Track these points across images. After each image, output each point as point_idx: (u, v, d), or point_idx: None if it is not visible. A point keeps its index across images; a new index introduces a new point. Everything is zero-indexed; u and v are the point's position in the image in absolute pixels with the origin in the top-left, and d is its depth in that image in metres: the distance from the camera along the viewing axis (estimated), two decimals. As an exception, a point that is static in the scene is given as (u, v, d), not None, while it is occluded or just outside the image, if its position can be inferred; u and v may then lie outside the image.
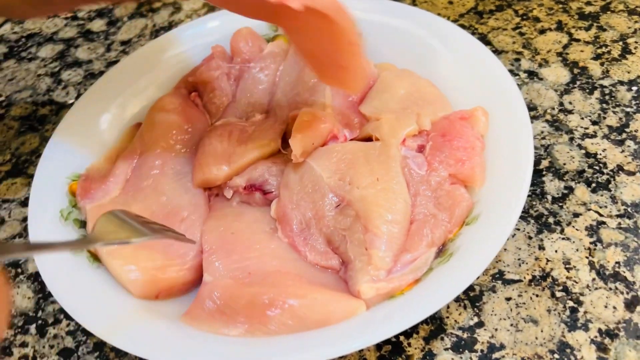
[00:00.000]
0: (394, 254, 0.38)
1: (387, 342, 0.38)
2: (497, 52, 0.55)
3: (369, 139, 0.44)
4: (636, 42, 0.54)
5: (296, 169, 0.43)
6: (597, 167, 0.45)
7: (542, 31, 0.57)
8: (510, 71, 0.53)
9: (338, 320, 0.35)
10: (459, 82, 0.47)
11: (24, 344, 0.42)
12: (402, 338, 0.38)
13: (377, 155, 0.41)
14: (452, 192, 0.40)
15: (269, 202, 0.44)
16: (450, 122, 0.42)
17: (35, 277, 0.46)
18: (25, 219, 0.50)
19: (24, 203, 0.51)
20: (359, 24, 0.51)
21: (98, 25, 0.69)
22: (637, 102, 0.49)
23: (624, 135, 0.47)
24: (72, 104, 0.58)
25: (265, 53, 0.52)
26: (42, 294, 0.45)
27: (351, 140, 0.45)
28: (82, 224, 0.43)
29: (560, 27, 0.57)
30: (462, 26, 0.58)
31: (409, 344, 0.38)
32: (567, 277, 0.40)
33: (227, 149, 0.45)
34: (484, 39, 0.57)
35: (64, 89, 0.62)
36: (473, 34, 0.57)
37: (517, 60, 0.54)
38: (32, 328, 0.43)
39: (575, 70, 0.53)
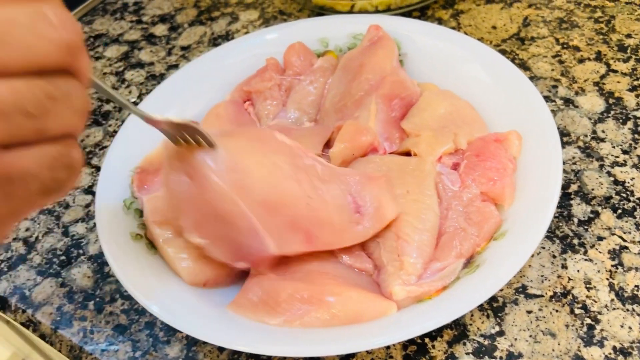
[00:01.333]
0: (424, 262, 0.41)
1: (413, 342, 0.42)
2: (536, 78, 0.58)
3: (407, 153, 0.48)
4: (673, 77, 0.56)
5: (336, 176, 0.47)
6: (624, 195, 0.48)
7: (581, 60, 0.59)
8: (547, 97, 0.56)
9: (370, 319, 0.38)
10: (496, 105, 0.49)
11: (83, 318, 0.47)
12: (427, 340, 0.42)
13: (411, 170, 0.45)
14: (482, 209, 0.43)
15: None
16: (485, 143, 0.45)
17: (95, 259, 0.51)
18: (87, 205, 0.55)
19: (87, 191, 0.56)
20: (405, 44, 0.55)
21: (160, 29, 0.74)
22: (669, 134, 0.51)
23: (653, 166, 0.49)
24: (134, 102, 0.64)
25: (316, 67, 0.56)
26: (101, 274, 0.49)
27: (390, 153, 0.48)
28: (141, 213, 0.48)
29: (599, 57, 0.59)
30: (504, 51, 0.61)
31: (433, 346, 0.41)
32: (586, 296, 0.42)
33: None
34: (524, 65, 0.59)
35: (127, 88, 0.67)
36: (514, 59, 0.60)
37: (555, 87, 0.57)
38: (91, 304, 0.48)
39: (611, 100, 0.55)
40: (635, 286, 0.42)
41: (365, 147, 0.47)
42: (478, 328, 0.42)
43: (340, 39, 0.59)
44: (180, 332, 0.44)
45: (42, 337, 0.47)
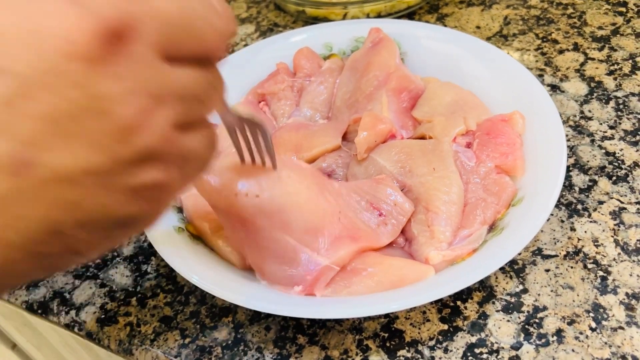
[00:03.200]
0: (453, 230, 0.45)
1: (446, 306, 0.45)
2: (523, 68, 0.63)
3: (422, 138, 0.52)
4: (644, 60, 0.62)
5: (361, 162, 0.51)
6: (616, 164, 0.53)
7: (561, 51, 0.65)
8: (536, 84, 0.61)
9: (411, 282, 0.42)
10: (495, 91, 0.54)
11: (127, 314, 0.49)
12: (458, 303, 0.45)
13: (431, 150, 0.49)
14: (499, 180, 0.47)
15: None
16: (493, 123, 0.50)
17: (131, 259, 0.53)
18: (115, 211, 0.57)
19: (113, 198, 0.58)
20: (404, 44, 0.59)
21: (160, 47, 0.77)
22: (648, 110, 0.57)
23: (638, 137, 0.55)
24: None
25: (324, 69, 0.60)
26: (139, 272, 0.51)
27: (407, 138, 0.52)
28: (179, 210, 0.51)
29: (576, 47, 0.65)
30: (491, 47, 0.67)
31: (465, 307, 0.45)
32: (596, 253, 0.47)
33: (295, 142, 0.53)
34: (511, 58, 0.65)
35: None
36: (501, 53, 0.66)
37: (541, 76, 0.63)
38: (133, 300, 0.50)
39: (592, 84, 0.61)
40: (638, 240, 0.47)
41: (385, 134, 0.51)
42: (504, 288, 0.46)
43: (343, 42, 0.63)
44: (227, 317, 0.47)
45: (89, 335, 0.49)
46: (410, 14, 0.74)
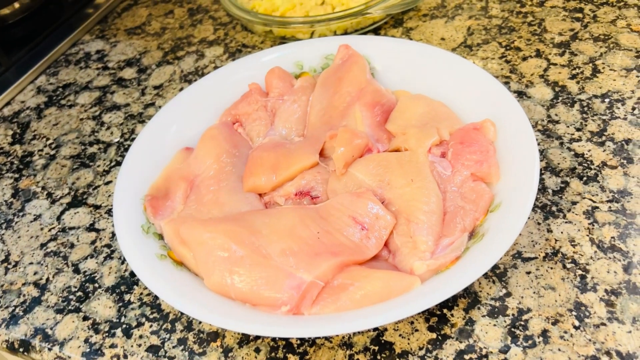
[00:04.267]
0: (434, 239, 0.45)
1: (433, 314, 0.46)
2: (490, 77, 0.65)
3: (397, 150, 0.53)
4: (603, 64, 0.64)
5: (340, 177, 0.51)
6: (585, 165, 0.55)
7: (524, 58, 0.67)
8: (503, 92, 0.63)
9: (398, 294, 0.42)
10: (464, 101, 0.56)
11: (113, 345, 0.48)
12: (445, 310, 0.46)
13: (408, 162, 0.50)
14: (475, 188, 0.48)
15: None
16: (466, 132, 0.51)
17: (113, 290, 0.52)
18: (93, 242, 0.56)
19: (90, 228, 0.58)
20: (373, 59, 0.60)
21: (129, 73, 0.77)
22: (611, 111, 0.59)
23: (604, 138, 0.57)
24: (118, 142, 0.66)
25: (297, 87, 0.60)
26: (122, 302, 0.51)
27: (383, 152, 0.53)
28: (160, 237, 0.50)
29: (539, 54, 0.67)
30: (457, 57, 0.68)
31: (452, 315, 0.46)
32: (573, 252, 0.48)
33: (273, 161, 0.53)
34: (477, 67, 0.67)
35: (107, 130, 0.69)
36: (467, 63, 0.67)
37: (507, 83, 0.64)
38: (119, 331, 0.49)
39: (557, 89, 0.63)
40: (612, 237, 0.49)
41: (362, 148, 0.52)
42: (487, 293, 0.47)
43: (314, 60, 0.64)
44: (215, 342, 0.47)
45: (74, 370, 0.48)
46: (375, 30, 0.76)
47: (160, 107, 0.70)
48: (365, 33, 0.75)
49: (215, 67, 0.75)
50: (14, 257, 0.56)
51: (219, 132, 0.57)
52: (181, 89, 0.72)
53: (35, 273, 0.55)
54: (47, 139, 0.69)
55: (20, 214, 0.61)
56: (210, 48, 0.79)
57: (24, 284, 0.54)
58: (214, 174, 0.54)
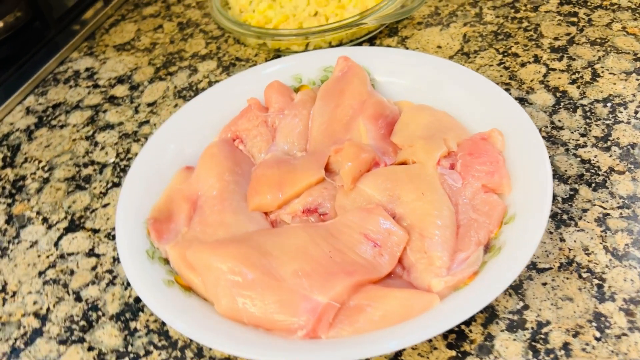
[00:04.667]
0: (450, 254, 0.45)
1: (451, 331, 0.45)
2: (490, 84, 0.64)
3: (403, 163, 0.52)
4: (602, 67, 0.64)
5: (348, 193, 0.50)
6: (593, 171, 0.54)
7: (523, 64, 0.67)
8: (505, 99, 0.62)
9: (418, 313, 0.41)
10: (470, 112, 0.55)
11: (121, 376, 0.46)
12: (463, 326, 0.45)
13: (417, 175, 0.49)
14: (487, 199, 0.47)
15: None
16: (474, 142, 0.51)
17: (118, 317, 0.50)
18: (94, 268, 0.54)
19: (90, 254, 0.56)
20: (374, 70, 0.60)
21: (121, 90, 0.75)
22: (614, 115, 0.59)
23: (609, 143, 0.56)
24: (114, 162, 0.64)
25: (297, 101, 0.59)
26: (128, 330, 0.49)
27: (390, 165, 0.52)
28: (166, 261, 0.49)
29: (537, 59, 0.67)
30: (456, 65, 0.68)
31: (470, 331, 0.45)
32: (588, 261, 0.48)
33: (278, 178, 0.52)
34: (476, 75, 0.66)
35: (102, 150, 0.67)
36: (466, 71, 0.67)
37: (507, 89, 0.64)
38: (126, 361, 0.47)
39: (558, 94, 0.62)
40: (626, 244, 0.48)
41: (369, 162, 0.51)
42: (505, 307, 0.46)
43: (312, 73, 0.63)
44: (228, 368, 0.45)
45: (81, 404, 0.46)
46: (370, 39, 0.75)
47: (155, 125, 0.69)
48: (360, 43, 0.74)
49: (210, 82, 0.73)
50: (11, 287, 0.54)
51: (219, 149, 0.56)
52: (176, 106, 0.71)
53: (34, 303, 0.53)
54: (40, 162, 0.67)
55: (16, 240, 0.59)
56: (203, 62, 0.77)
57: (23, 315, 0.52)
58: (217, 193, 0.53)
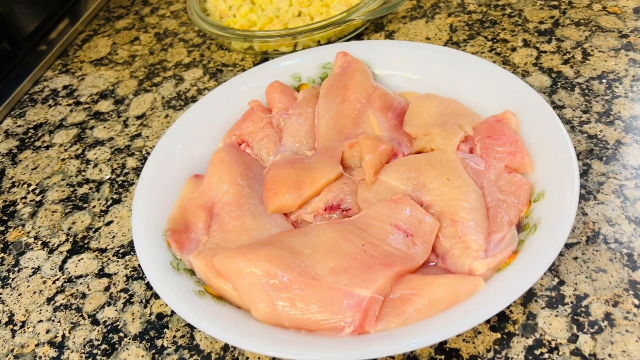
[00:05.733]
0: (484, 236, 0.44)
1: (492, 314, 0.44)
2: (485, 70, 0.65)
3: (420, 152, 0.52)
4: (590, 46, 0.66)
5: (370, 185, 0.49)
6: (601, 145, 0.55)
7: (514, 49, 0.68)
8: (503, 83, 0.63)
9: (465, 297, 0.40)
10: (479, 96, 0.55)
11: (155, 398, 0.44)
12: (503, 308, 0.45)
13: (439, 161, 0.48)
14: (512, 179, 0.47)
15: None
16: (490, 125, 0.51)
17: (141, 337, 0.48)
18: (107, 288, 0.52)
19: (100, 274, 0.53)
20: (373, 63, 0.59)
21: (105, 106, 0.72)
22: (610, 90, 0.60)
23: (612, 117, 0.57)
24: (110, 179, 0.61)
25: (300, 100, 0.58)
26: (155, 349, 0.47)
27: (409, 154, 0.51)
28: (192, 272, 0.46)
29: (526, 44, 0.68)
30: (449, 54, 0.68)
31: (511, 312, 0.44)
32: (614, 232, 0.48)
33: (295, 178, 0.50)
34: (470, 62, 0.66)
35: (95, 167, 0.64)
36: (460, 59, 0.67)
37: (503, 74, 0.64)
38: (158, 381, 0.45)
39: (553, 75, 0.63)
40: (647, 212, 0.49)
41: (388, 153, 0.50)
42: (541, 285, 0.46)
43: (311, 71, 0.62)
44: (270, 376, 0.43)
45: None
46: (358, 36, 0.75)
47: (148, 137, 0.66)
48: (348, 40, 0.74)
49: (198, 90, 0.71)
50: (19, 317, 0.51)
51: (227, 154, 0.54)
52: (166, 116, 0.69)
53: (47, 331, 0.49)
54: (29, 185, 0.64)
55: (16, 269, 0.55)
56: (189, 71, 0.75)
57: (37, 345, 0.49)
58: (232, 199, 0.51)
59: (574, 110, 0.59)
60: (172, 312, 0.49)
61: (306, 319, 0.41)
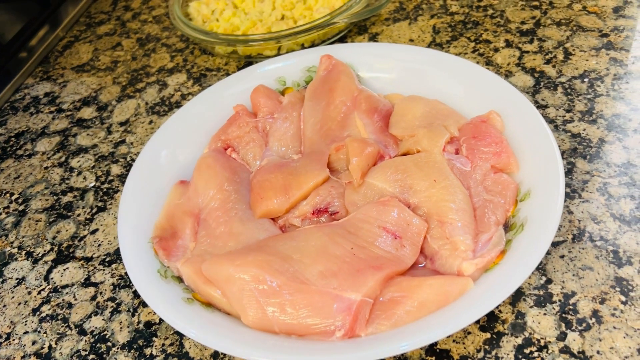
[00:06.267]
0: (472, 237, 0.44)
1: (481, 314, 0.45)
2: (469, 71, 0.65)
3: (406, 154, 0.52)
4: (572, 46, 0.66)
5: (357, 188, 0.49)
6: (585, 143, 0.56)
7: (496, 50, 0.68)
8: (487, 84, 0.63)
9: (455, 298, 0.40)
10: (463, 97, 0.55)
11: (145, 407, 0.43)
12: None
13: (426, 163, 0.48)
14: (498, 179, 0.47)
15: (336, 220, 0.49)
16: (475, 125, 0.51)
17: (130, 346, 0.47)
18: (93, 297, 0.51)
19: (86, 284, 0.52)
20: (357, 66, 0.59)
21: (88, 112, 0.72)
22: (593, 89, 0.61)
23: (594, 116, 0.58)
24: (94, 186, 0.61)
25: (286, 103, 0.58)
26: (144, 358, 0.46)
27: (395, 157, 0.51)
28: (179, 279, 0.46)
29: (509, 44, 0.69)
30: (433, 56, 0.68)
31: (500, 311, 0.45)
32: (599, 229, 0.49)
33: (282, 182, 0.50)
34: (454, 63, 0.67)
35: (79, 175, 0.63)
36: (444, 60, 0.67)
37: (486, 75, 0.65)
38: (148, 391, 0.44)
39: (536, 75, 0.64)
40: (630, 209, 0.49)
41: (375, 156, 0.50)
42: (529, 284, 0.46)
43: (295, 74, 0.62)
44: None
45: None
46: (341, 39, 0.75)
47: (132, 143, 0.66)
48: (331, 43, 0.74)
49: (182, 95, 0.71)
50: (4, 329, 0.50)
51: (214, 160, 0.54)
52: (150, 122, 0.68)
53: (33, 343, 0.49)
54: (11, 194, 0.63)
55: (0, 280, 0.54)
56: (172, 76, 0.75)
57: (23, 357, 0.48)
58: (219, 204, 0.51)
59: (557, 109, 0.59)
60: (161, 320, 0.48)
61: (296, 324, 0.41)
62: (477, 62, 0.67)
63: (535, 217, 0.43)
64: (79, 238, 0.57)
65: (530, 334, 0.43)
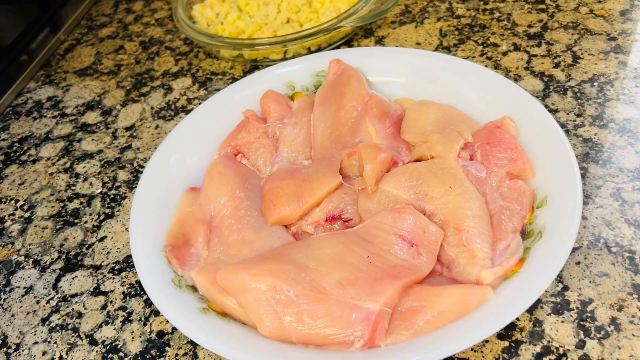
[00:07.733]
0: (489, 244, 0.44)
1: (499, 322, 0.44)
2: (478, 75, 0.65)
3: (419, 160, 0.51)
4: (580, 50, 0.66)
5: (371, 195, 0.49)
6: (596, 148, 0.55)
7: (505, 53, 0.68)
8: (497, 88, 0.63)
9: (475, 308, 0.40)
10: (475, 102, 0.55)
11: (160, 419, 0.43)
12: (509, 316, 0.44)
13: (441, 169, 0.48)
14: (514, 186, 0.47)
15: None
16: (489, 131, 0.50)
17: (142, 356, 0.46)
18: (104, 307, 0.50)
19: (96, 292, 0.52)
20: (367, 70, 0.59)
21: (92, 117, 0.71)
22: (602, 93, 0.61)
23: (605, 120, 0.58)
24: (101, 193, 0.60)
25: (295, 109, 0.57)
26: (157, 368, 0.46)
27: (408, 163, 0.51)
28: (194, 289, 0.45)
29: (517, 47, 0.68)
30: (441, 60, 0.68)
31: (517, 319, 0.44)
32: (613, 235, 0.48)
33: (294, 189, 0.50)
34: (462, 67, 0.67)
35: (85, 181, 0.62)
36: (452, 64, 0.67)
37: (495, 79, 0.64)
38: (162, 402, 0.44)
39: (545, 79, 0.64)
40: (645, 215, 0.49)
41: (389, 162, 0.50)
42: (546, 291, 0.46)
43: (304, 79, 0.61)
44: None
45: None
46: (347, 42, 0.74)
47: (139, 149, 0.65)
48: (338, 47, 0.73)
49: (188, 99, 0.70)
50: (12, 340, 0.49)
51: (224, 166, 0.53)
52: (157, 127, 0.67)
53: (44, 353, 0.48)
54: (17, 201, 0.62)
55: (7, 289, 0.53)
56: (177, 80, 0.74)
57: (33, 369, 0.47)
58: (231, 211, 0.50)
59: (568, 114, 0.59)
60: (173, 330, 0.47)
61: (314, 334, 0.40)
62: (486, 66, 0.66)
63: (553, 225, 0.43)
64: (86, 246, 0.56)
65: (548, 342, 0.43)
